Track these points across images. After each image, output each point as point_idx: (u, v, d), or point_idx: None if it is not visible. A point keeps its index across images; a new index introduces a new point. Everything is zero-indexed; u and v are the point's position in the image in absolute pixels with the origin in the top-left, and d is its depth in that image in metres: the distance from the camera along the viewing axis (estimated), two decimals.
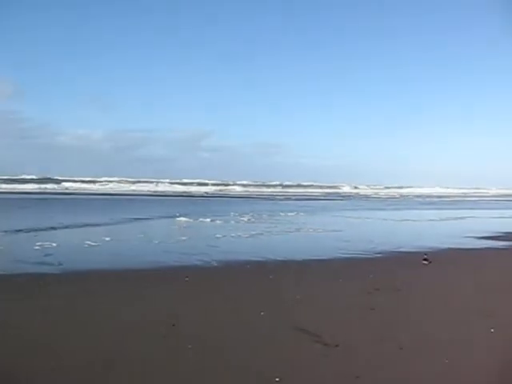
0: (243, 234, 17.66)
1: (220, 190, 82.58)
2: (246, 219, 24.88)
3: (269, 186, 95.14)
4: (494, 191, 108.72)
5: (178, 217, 24.63)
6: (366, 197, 74.93)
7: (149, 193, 67.90)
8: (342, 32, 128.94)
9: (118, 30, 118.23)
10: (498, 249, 15.72)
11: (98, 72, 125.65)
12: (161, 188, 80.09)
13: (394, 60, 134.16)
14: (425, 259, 12.12)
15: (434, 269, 11.44)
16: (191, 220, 23.71)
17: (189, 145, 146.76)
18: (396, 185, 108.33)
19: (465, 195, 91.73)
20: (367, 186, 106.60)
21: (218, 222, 23.23)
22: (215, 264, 11.67)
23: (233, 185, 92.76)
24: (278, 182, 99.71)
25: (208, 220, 23.90)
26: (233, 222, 23.54)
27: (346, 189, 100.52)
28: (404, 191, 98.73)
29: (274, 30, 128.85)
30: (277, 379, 4.89)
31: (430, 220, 28.53)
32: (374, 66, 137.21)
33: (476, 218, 30.81)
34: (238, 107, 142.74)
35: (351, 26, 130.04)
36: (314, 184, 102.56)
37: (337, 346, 5.86)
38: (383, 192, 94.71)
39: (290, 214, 29.99)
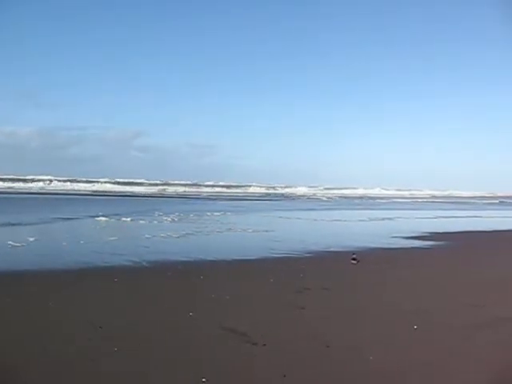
0: (173, 234, 17.43)
1: (156, 190, 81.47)
2: (169, 219, 24.61)
3: (202, 186, 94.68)
4: (428, 192, 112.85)
5: (98, 216, 24.05)
6: (303, 197, 75.95)
7: (81, 192, 66.17)
8: (268, 33, 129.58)
9: (54, 30, 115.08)
10: (423, 248, 16.24)
11: (32, 70, 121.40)
12: (95, 187, 78.25)
13: (328, 58, 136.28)
14: (353, 259, 12.34)
15: (363, 268, 11.67)
16: (112, 220, 23.24)
17: (123, 144, 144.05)
18: (337, 186, 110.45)
19: (401, 196, 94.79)
20: (307, 186, 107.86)
21: (141, 222, 22.82)
22: (145, 264, 11.44)
23: (166, 185, 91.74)
24: (212, 183, 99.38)
25: (129, 219, 23.51)
26: (155, 221, 23.22)
27: (283, 189, 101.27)
28: (345, 192, 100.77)
29: (204, 30, 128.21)
30: (203, 379, 4.82)
31: (360, 220, 29.21)
32: (311, 64, 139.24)
33: (404, 218, 31.79)
34: (171, 107, 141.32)
35: (273, 27, 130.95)
36: (251, 184, 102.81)
37: (264, 345, 5.85)
38: (321, 193, 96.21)
39: (216, 213, 29.87)
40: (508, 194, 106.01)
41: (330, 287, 9.43)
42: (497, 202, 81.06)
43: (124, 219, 23.69)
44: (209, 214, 29.46)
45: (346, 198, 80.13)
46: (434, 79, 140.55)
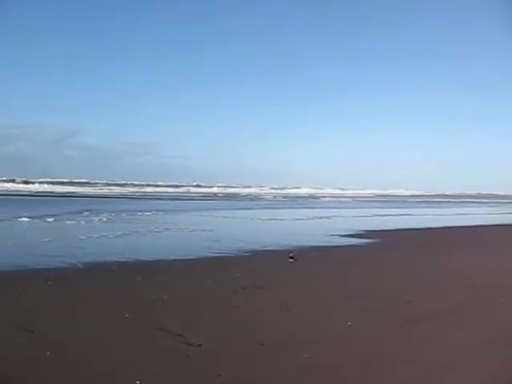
0: (109, 235, 17.16)
1: (99, 190, 79.67)
2: (97, 219, 24.25)
3: (144, 186, 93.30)
4: (371, 191, 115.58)
5: (21, 217, 23.29)
6: (246, 197, 76.00)
7: (19, 193, 63.84)
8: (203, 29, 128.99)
9: None
10: (359, 246, 16.65)
11: None
12: (35, 187, 75.68)
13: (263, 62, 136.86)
14: (290, 257, 12.51)
15: (300, 266, 11.86)
16: (36, 221, 22.61)
17: (57, 144, 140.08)
18: (283, 186, 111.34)
19: (344, 195, 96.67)
20: (253, 187, 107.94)
21: (67, 222, 22.33)
22: (80, 266, 11.22)
23: (109, 185, 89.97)
24: (154, 182, 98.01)
25: (52, 220, 23.02)
26: (83, 222, 22.81)
27: (226, 190, 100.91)
28: (290, 192, 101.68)
29: (139, 26, 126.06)
30: (138, 382, 4.80)
31: (298, 219, 29.59)
32: (248, 67, 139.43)
33: (342, 217, 32.47)
34: (107, 106, 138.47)
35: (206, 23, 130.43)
36: (189, 184, 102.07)
37: (200, 345, 5.87)
38: (266, 192, 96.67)
39: (148, 213, 29.65)
40: (446, 193, 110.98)
41: (266, 286, 9.54)
42: (433, 200, 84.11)
43: (49, 220, 23.09)
44: (140, 213, 29.23)
45: (290, 197, 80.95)
46: (372, 77, 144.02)
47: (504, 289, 9.52)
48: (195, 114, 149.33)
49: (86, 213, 27.99)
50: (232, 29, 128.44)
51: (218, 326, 6.83)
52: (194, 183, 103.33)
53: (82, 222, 22.42)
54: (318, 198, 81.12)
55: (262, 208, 43.46)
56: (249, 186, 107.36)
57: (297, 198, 79.25)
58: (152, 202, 49.62)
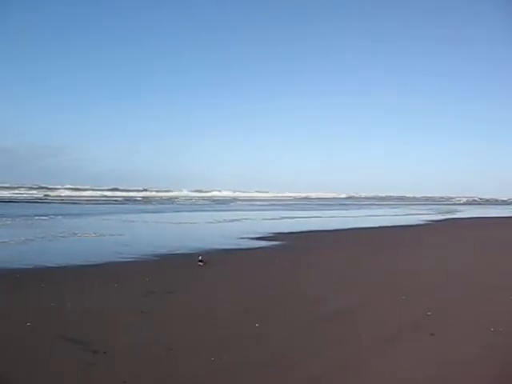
0: (11, 241, 16.47)
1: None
2: None
3: (52, 190, 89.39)
4: (288, 194, 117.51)
5: None
6: (162, 200, 74.79)
7: None
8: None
9: None
10: (268, 248, 16.92)
11: None
12: None
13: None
14: (200, 260, 12.56)
15: (209, 270, 11.94)
16: None
17: None
18: (202, 188, 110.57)
19: (260, 198, 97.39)
20: (170, 190, 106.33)
21: None
22: None
23: (11, 188, 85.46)
24: (61, 186, 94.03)
25: None
26: None
27: (140, 193, 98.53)
28: (206, 195, 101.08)
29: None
30: None
31: (210, 222, 29.64)
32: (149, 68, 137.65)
33: (252, 219, 32.81)
34: (12, 105, 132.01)
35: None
36: (93, 187, 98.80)
37: (105, 352, 5.81)
38: (183, 195, 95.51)
39: (44, 218, 28.49)
40: (362, 195, 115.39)
41: (175, 290, 9.55)
42: (343, 202, 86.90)
43: None
44: (45, 218, 28.18)
45: (208, 200, 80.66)
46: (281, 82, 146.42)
47: (404, 287, 10.02)
48: (115, 114, 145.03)
49: None
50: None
51: (125, 332, 6.77)
52: (111, 187, 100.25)
53: None
54: (234, 201, 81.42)
55: (175, 211, 43.18)
56: (169, 190, 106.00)
57: (213, 201, 79.01)
58: (62, 206, 47.95)
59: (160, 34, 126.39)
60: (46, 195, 76.22)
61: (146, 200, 74.71)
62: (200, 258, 12.69)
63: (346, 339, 6.56)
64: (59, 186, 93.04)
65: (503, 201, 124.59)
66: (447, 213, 50.40)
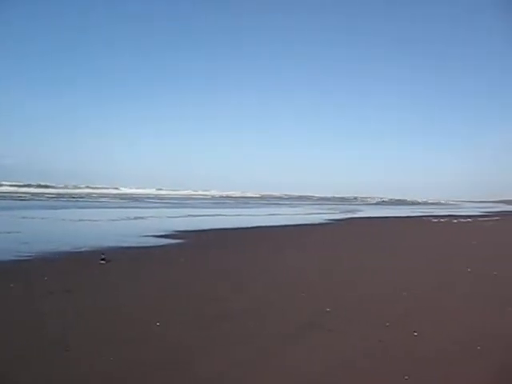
0: None
1: None
2: None
3: None
4: (206, 193, 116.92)
5: None
6: (61, 197, 72.07)
7: None
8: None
9: None
10: (172, 246, 16.91)
11: None
12: None
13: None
14: (102, 259, 12.37)
15: (112, 268, 11.79)
16: None
17: None
18: (104, 185, 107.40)
19: (172, 196, 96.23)
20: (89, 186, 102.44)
21: None
22: None
23: None
24: None
25: None
26: None
27: (36, 189, 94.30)
28: (112, 192, 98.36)
29: None
30: None
31: (113, 220, 29.10)
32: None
33: (158, 217, 32.61)
34: None
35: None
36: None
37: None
38: (97, 193, 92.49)
39: None
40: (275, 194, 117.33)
41: (75, 289, 9.35)
42: (255, 202, 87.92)
43: None
44: None
45: (114, 197, 78.70)
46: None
47: (304, 285, 10.30)
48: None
49: None
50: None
51: (22, 334, 6.57)
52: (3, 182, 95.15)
53: None
54: (142, 198, 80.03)
55: (79, 208, 41.95)
56: (88, 186, 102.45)
57: (121, 198, 77.08)
58: None
59: None
60: None
61: (51, 196, 72.00)
62: (102, 256, 12.51)
63: (244, 338, 6.69)
64: None
65: (414, 201, 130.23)
66: (349, 212, 52.44)
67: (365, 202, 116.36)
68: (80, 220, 28.17)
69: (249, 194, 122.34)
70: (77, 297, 8.84)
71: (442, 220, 37.58)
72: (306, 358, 5.94)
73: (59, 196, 73.12)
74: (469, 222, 36.82)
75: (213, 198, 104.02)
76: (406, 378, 5.30)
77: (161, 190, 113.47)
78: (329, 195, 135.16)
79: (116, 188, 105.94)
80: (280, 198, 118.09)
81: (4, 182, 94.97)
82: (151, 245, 16.95)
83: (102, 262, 12.29)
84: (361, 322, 7.50)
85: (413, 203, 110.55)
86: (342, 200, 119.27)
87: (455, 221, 36.71)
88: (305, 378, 5.36)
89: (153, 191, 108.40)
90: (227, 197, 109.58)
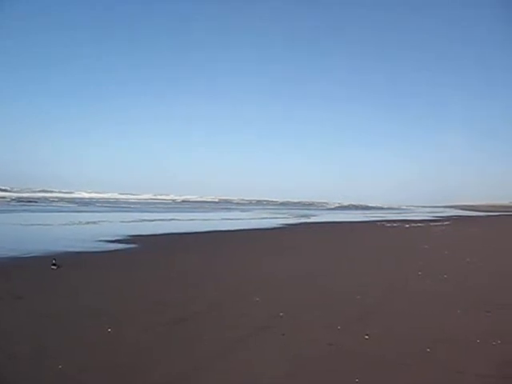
0: None
1: None
2: None
3: None
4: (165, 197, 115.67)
5: None
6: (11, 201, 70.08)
7: None
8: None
9: None
10: (124, 250, 16.69)
11: None
12: None
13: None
14: (54, 264, 12.13)
15: (63, 273, 11.59)
16: None
17: None
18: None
19: (125, 200, 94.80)
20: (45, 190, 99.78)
21: None
22: None
23: None
24: None
25: None
26: None
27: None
28: (67, 196, 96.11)
29: None
30: None
31: (65, 224, 28.54)
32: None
33: (110, 222, 32.13)
34: None
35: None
36: None
37: None
38: (49, 196, 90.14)
39: None
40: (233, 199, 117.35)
41: (26, 295, 9.17)
42: (214, 206, 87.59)
43: None
44: None
45: (68, 201, 76.99)
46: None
47: (258, 289, 10.32)
48: None
49: None
50: None
51: None
52: None
53: None
54: (97, 202, 78.62)
55: (31, 212, 40.95)
56: (43, 190, 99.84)
57: (76, 203, 75.39)
58: None
59: None
60: None
61: (3, 200, 69.93)
62: (54, 261, 12.25)
63: (197, 342, 6.69)
64: None
65: (369, 206, 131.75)
66: (303, 217, 52.84)
67: (322, 207, 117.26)
68: (31, 224, 27.47)
69: (207, 199, 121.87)
70: (28, 303, 8.67)
71: (394, 224, 38.27)
72: (257, 362, 5.98)
73: (12, 200, 71.09)
74: (420, 226, 37.62)
75: (173, 202, 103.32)
76: (357, 380, 5.39)
77: (120, 194, 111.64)
78: (288, 200, 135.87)
79: (72, 192, 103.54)
80: (238, 202, 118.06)
81: None
82: (104, 250, 16.69)
83: (54, 267, 12.06)
84: (313, 326, 7.58)
85: (368, 208, 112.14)
86: (300, 205, 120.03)
87: (407, 225, 37.43)
88: (255, 381, 5.41)
89: (111, 195, 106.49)
90: (186, 201, 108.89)
